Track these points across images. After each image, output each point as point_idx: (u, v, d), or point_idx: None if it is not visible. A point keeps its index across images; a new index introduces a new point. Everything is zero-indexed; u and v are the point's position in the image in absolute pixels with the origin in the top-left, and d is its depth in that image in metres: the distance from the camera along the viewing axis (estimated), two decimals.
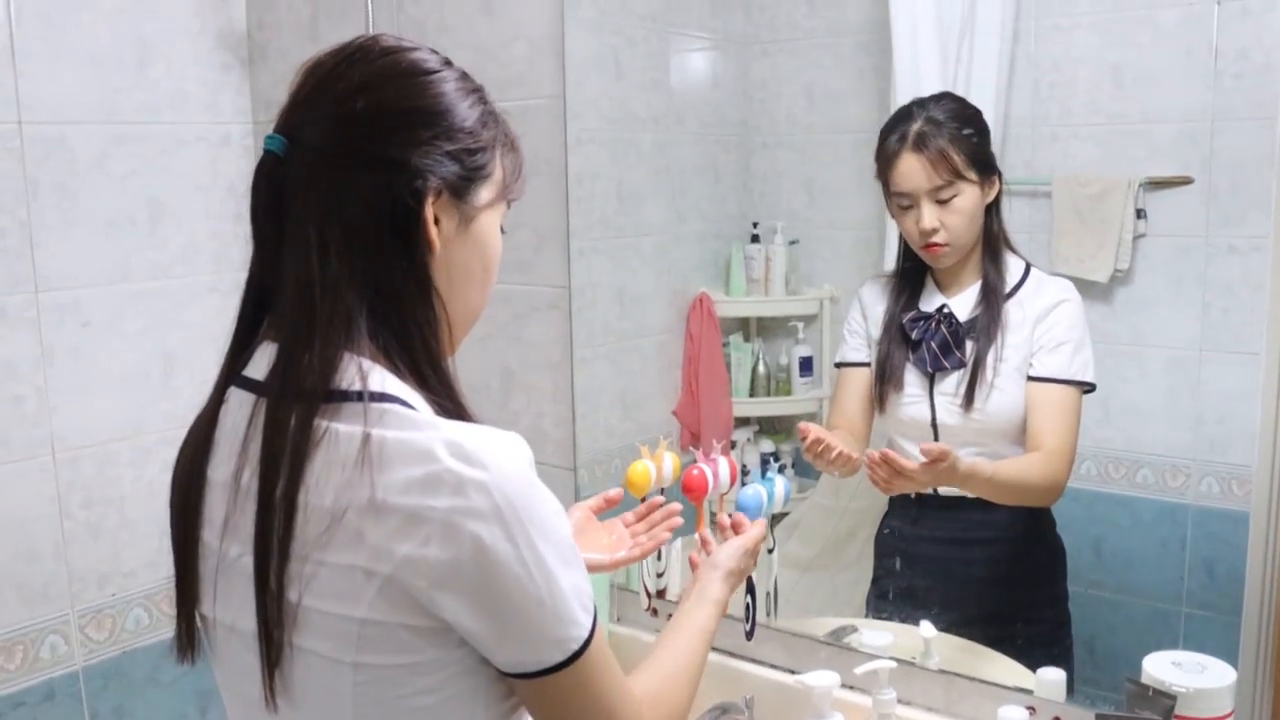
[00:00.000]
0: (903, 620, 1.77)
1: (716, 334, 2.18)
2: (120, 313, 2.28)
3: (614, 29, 2.12)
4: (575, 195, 2.02)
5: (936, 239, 1.67)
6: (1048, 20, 1.77)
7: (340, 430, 0.91)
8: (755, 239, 2.17)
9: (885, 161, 1.71)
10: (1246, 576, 1.43)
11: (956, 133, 1.66)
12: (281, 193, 0.98)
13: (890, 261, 1.88)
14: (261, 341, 1.02)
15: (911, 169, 1.67)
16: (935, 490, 1.74)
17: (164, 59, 2.34)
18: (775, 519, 1.72)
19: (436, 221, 1.00)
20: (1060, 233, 1.75)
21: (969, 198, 1.66)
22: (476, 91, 1.05)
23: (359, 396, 0.91)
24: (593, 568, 1.41)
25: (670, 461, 1.59)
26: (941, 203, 1.66)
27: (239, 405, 1.00)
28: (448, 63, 1.05)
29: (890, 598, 1.85)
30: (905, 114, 1.70)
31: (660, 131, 2.23)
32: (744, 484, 1.57)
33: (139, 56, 2.30)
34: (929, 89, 1.78)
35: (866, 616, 1.88)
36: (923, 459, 1.54)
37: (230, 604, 0.98)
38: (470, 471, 0.88)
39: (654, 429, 2.02)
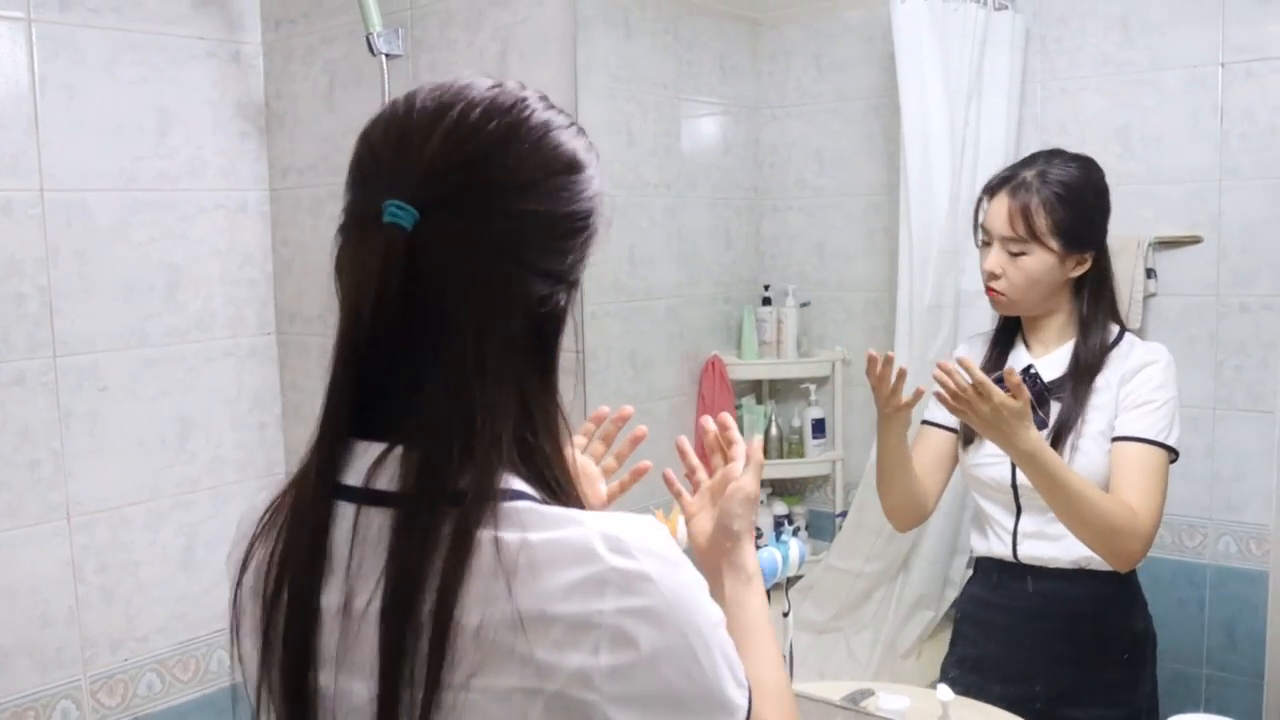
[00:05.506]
0: (976, 694, 1.68)
1: (729, 396, 2.18)
2: (137, 377, 2.30)
3: (626, 96, 2.16)
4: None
5: (995, 285, 1.65)
6: (1054, 83, 1.79)
7: (480, 536, 0.80)
8: (767, 301, 2.17)
9: (986, 192, 1.67)
10: (1267, 637, 1.41)
11: (1054, 198, 1.60)
12: (416, 277, 0.84)
13: (902, 322, 1.88)
14: (353, 439, 0.89)
15: (998, 210, 1.63)
16: (1016, 556, 1.67)
17: (183, 127, 2.39)
18: (790, 582, 1.71)
19: None
20: None
21: (1039, 262, 1.61)
22: (593, 150, 0.96)
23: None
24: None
25: (685, 525, 1.58)
26: (1011, 254, 1.63)
27: (336, 517, 0.87)
28: (579, 130, 0.96)
29: (966, 667, 1.77)
30: (1031, 159, 1.65)
31: (672, 196, 2.26)
32: (758, 547, 1.55)
33: (159, 125, 2.35)
34: (938, 152, 1.79)
35: (938, 683, 1.81)
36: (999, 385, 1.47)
37: None
38: (635, 566, 0.80)
39: (667, 492, 2.01)
